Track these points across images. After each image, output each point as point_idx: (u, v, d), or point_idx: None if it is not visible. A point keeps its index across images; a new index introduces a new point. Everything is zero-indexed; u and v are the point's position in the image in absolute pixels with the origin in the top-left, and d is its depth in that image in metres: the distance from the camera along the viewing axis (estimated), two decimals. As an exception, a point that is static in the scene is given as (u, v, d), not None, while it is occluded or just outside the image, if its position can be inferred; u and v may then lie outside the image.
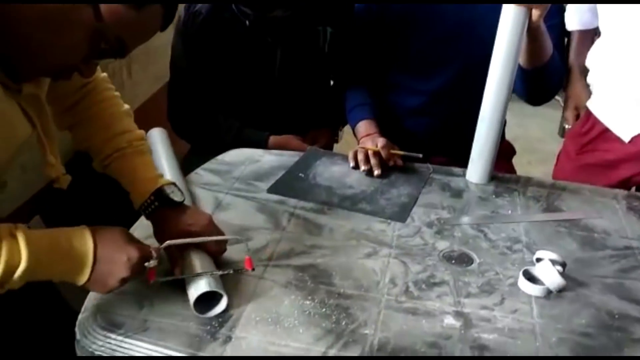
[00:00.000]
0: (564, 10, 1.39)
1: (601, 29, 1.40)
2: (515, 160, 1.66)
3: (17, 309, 1.09)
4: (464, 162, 1.34)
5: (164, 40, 2.30)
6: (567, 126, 1.66)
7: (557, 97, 3.55)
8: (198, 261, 0.90)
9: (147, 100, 2.25)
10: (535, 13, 1.09)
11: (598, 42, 1.42)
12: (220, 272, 0.90)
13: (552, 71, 1.29)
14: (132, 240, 0.85)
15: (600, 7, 1.39)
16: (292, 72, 1.48)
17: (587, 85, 1.51)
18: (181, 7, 1.43)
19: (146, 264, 0.85)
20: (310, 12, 1.41)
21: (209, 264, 0.91)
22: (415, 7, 1.38)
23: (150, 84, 2.36)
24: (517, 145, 1.66)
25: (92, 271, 0.80)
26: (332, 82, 1.64)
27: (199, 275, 0.88)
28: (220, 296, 0.87)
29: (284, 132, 1.51)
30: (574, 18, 1.52)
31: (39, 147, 0.86)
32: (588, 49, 1.47)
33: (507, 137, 1.62)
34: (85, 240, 0.80)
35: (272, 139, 1.47)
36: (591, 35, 1.52)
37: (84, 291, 0.87)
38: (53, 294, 1.23)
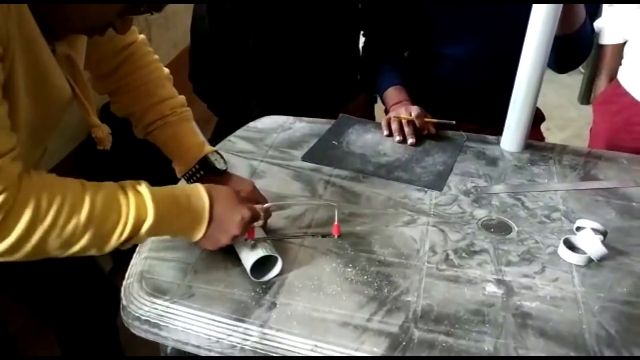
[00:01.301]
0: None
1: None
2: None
3: (50, 271, 1.11)
4: (494, 130, 1.33)
5: (181, 6, 2.28)
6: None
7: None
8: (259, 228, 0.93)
9: (166, 65, 2.23)
10: None
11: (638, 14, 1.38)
12: (310, 234, 0.95)
13: (583, 39, 1.26)
14: (243, 200, 0.87)
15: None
16: (323, 25, 1.43)
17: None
18: None
19: (255, 223, 0.88)
20: None
21: (260, 231, 0.93)
22: None
23: (169, 48, 2.34)
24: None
25: (208, 227, 0.82)
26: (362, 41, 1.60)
27: (287, 237, 0.93)
28: (275, 260, 0.88)
29: (312, 96, 1.48)
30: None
31: (80, 109, 0.85)
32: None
33: None
34: (201, 198, 0.82)
35: None
36: None
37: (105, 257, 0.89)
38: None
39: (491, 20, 1.35)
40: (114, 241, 0.75)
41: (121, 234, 0.75)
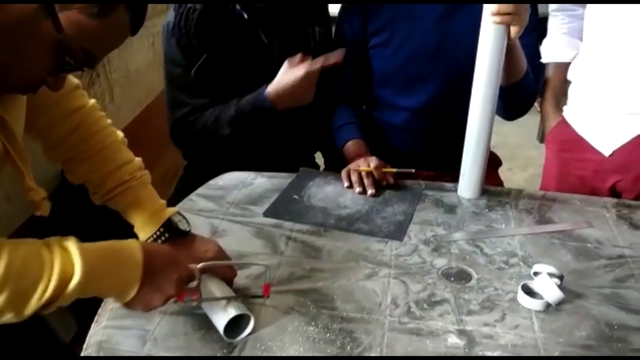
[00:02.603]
0: (538, 27, 1.41)
1: (585, 41, 1.42)
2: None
3: (8, 340, 1.08)
4: (452, 175, 1.36)
5: (144, 63, 2.31)
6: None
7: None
8: (216, 287, 0.91)
9: (130, 123, 2.24)
10: (513, 30, 1.11)
11: (581, 55, 1.44)
12: (240, 297, 0.92)
13: (526, 87, 1.32)
14: (180, 259, 0.85)
15: (587, 16, 1.40)
16: None
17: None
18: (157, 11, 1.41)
19: (190, 284, 0.85)
20: (299, 9, 1.43)
21: (227, 289, 0.92)
22: (393, 24, 1.40)
23: (133, 106, 2.35)
24: (497, 153, 1.68)
25: (140, 287, 0.78)
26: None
27: (224, 299, 0.88)
28: (248, 319, 0.88)
29: (280, 137, 1.50)
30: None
31: (16, 172, 0.81)
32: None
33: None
34: (135, 254, 0.78)
35: (270, 89, 1.34)
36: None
37: (71, 322, 0.86)
38: (41, 324, 1.21)
39: (441, 71, 1.41)
40: (34, 302, 0.69)
41: (43, 294, 0.69)
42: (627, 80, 1.30)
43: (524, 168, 3.17)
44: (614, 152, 1.37)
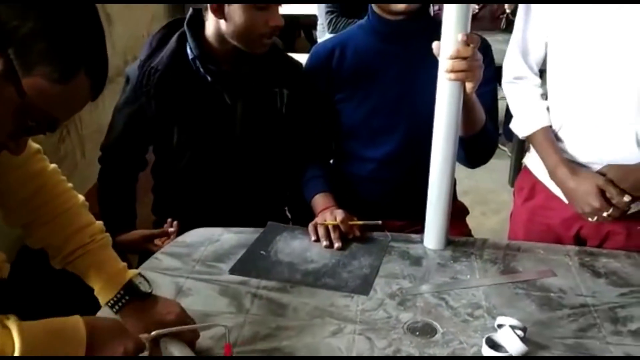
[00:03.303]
0: (495, 77, 1.45)
1: (548, 89, 1.44)
2: (474, 210, 1.70)
3: None
4: (421, 225, 1.37)
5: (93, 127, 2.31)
6: None
7: (504, 148, 3.69)
8: (178, 350, 0.90)
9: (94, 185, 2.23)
10: (468, 86, 1.15)
11: (542, 103, 1.45)
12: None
13: (486, 137, 1.35)
14: (126, 331, 0.84)
15: (550, 64, 1.41)
16: (252, 134, 1.47)
17: None
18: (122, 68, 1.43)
19: (141, 354, 0.84)
20: (268, 72, 1.45)
21: (189, 351, 0.91)
22: (355, 81, 1.44)
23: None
24: (469, 198, 1.70)
25: None
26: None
27: None
28: None
29: (249, 192, 1.52)
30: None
31: None
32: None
33: (458, 190, 1.66)
34: (79, 330, 0.76)
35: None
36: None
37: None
38: None
39: (404, 123, 1.44)
40: None
41: None
42: (586, 129, 1.33)
43: (497, 212, 3.21)
44: None
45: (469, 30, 1.11)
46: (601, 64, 1.28)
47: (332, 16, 3.33)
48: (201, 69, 1.38)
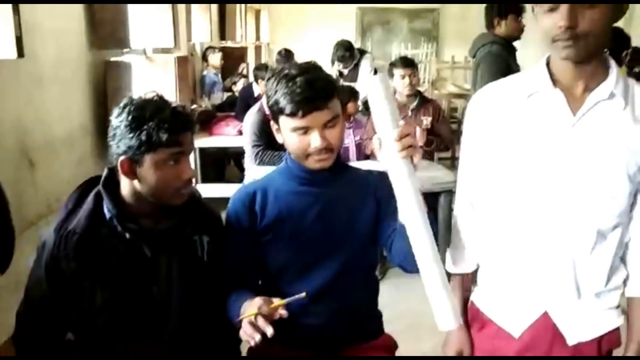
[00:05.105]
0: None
1: (489, 225, 1.42)
2: (407, 334, 1.65)
3: None
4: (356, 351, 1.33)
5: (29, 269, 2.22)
6: None
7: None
8: None
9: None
10: (415, 159, 1.21)
11: (487, 238, 1.44)
12: None
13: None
14: None
15: (488, 198, 1.40)
16: (176, 287, 1.43)
17: None
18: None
19: None
20: (187, 222, 1.44)
21: None
22: (280, 220, 1.45)
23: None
24: (400, 323, 1.65)
25: None
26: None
27: None
28: None
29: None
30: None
31: None
32: None
33: (388, 315, 1.65)
34: None
35: None
36: None
37: None
38: None
39: (333, 256, 1.45)
40: None
41: None
42: (529, 263, 1.33)
43: (432, 334, 3.16)
44: (523, 333, 1.36)
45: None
46: (534, 219, 1.30)
47: (258, 149, 3.48)
48: (119, 227, 1.37)
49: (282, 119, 1.36)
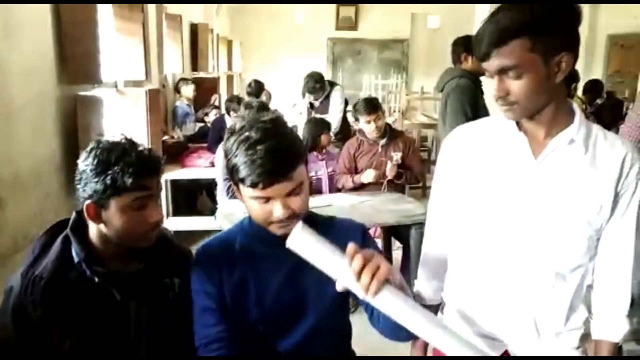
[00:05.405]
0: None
1: (453, 259, 1.43)
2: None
3: None
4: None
5: None
6: None
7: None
8: None
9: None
10: (396, 278, 1.12)
11: (449, 272, 1.47)
12: None
13: None
14: None
15: (454, 236, 1.42)
16: (146, 333, 1.41)
17: None
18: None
19: None
20: (157, 264, 1.42)
21: None
22: (246, 284, 1.38)
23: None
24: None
25: None
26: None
27: None
28: None
29: None
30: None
31: None
32: None
33: (366, 349, 1.62)
34: None
35: None
36: None
37: None
38: None
39: (303, 321, 1.38)
40: None
41: None
42: (491, 301, 1.35)
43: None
44: None
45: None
46: (498, 250, 1.32)
47: (230, 182, 3.44)
48: (88, 271, 1.35)
49: (242, 187, 1.26)
